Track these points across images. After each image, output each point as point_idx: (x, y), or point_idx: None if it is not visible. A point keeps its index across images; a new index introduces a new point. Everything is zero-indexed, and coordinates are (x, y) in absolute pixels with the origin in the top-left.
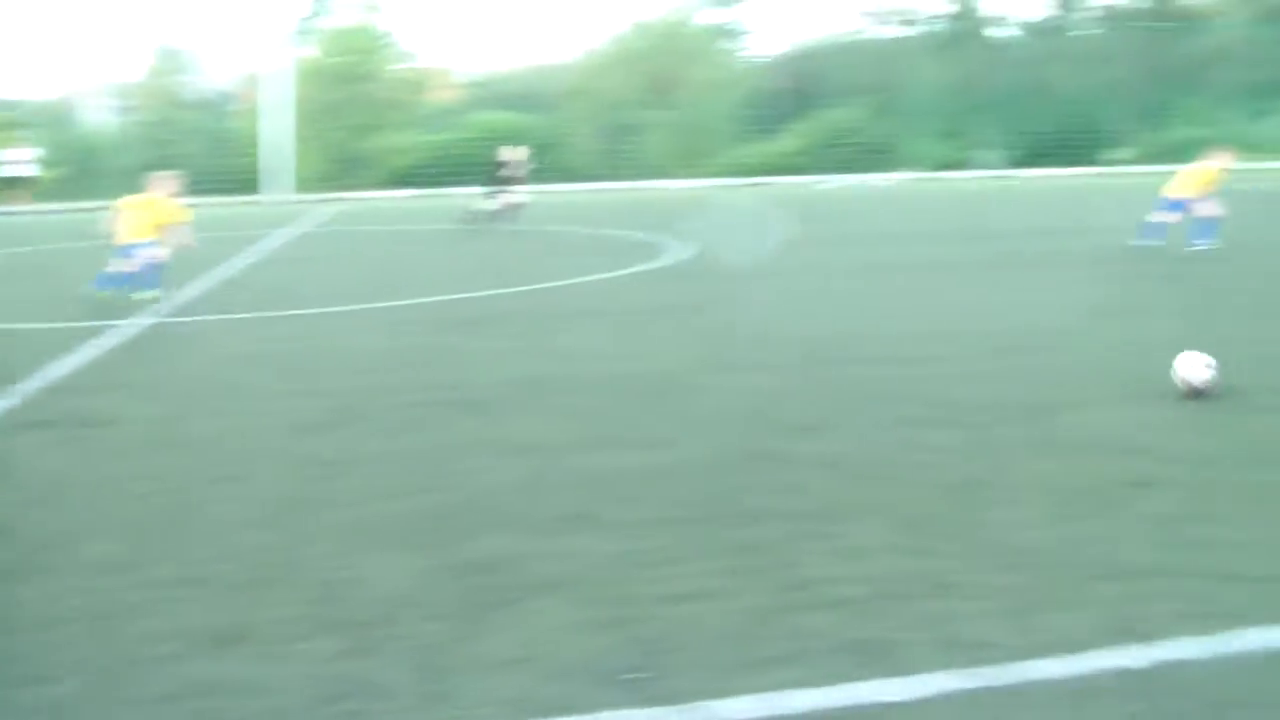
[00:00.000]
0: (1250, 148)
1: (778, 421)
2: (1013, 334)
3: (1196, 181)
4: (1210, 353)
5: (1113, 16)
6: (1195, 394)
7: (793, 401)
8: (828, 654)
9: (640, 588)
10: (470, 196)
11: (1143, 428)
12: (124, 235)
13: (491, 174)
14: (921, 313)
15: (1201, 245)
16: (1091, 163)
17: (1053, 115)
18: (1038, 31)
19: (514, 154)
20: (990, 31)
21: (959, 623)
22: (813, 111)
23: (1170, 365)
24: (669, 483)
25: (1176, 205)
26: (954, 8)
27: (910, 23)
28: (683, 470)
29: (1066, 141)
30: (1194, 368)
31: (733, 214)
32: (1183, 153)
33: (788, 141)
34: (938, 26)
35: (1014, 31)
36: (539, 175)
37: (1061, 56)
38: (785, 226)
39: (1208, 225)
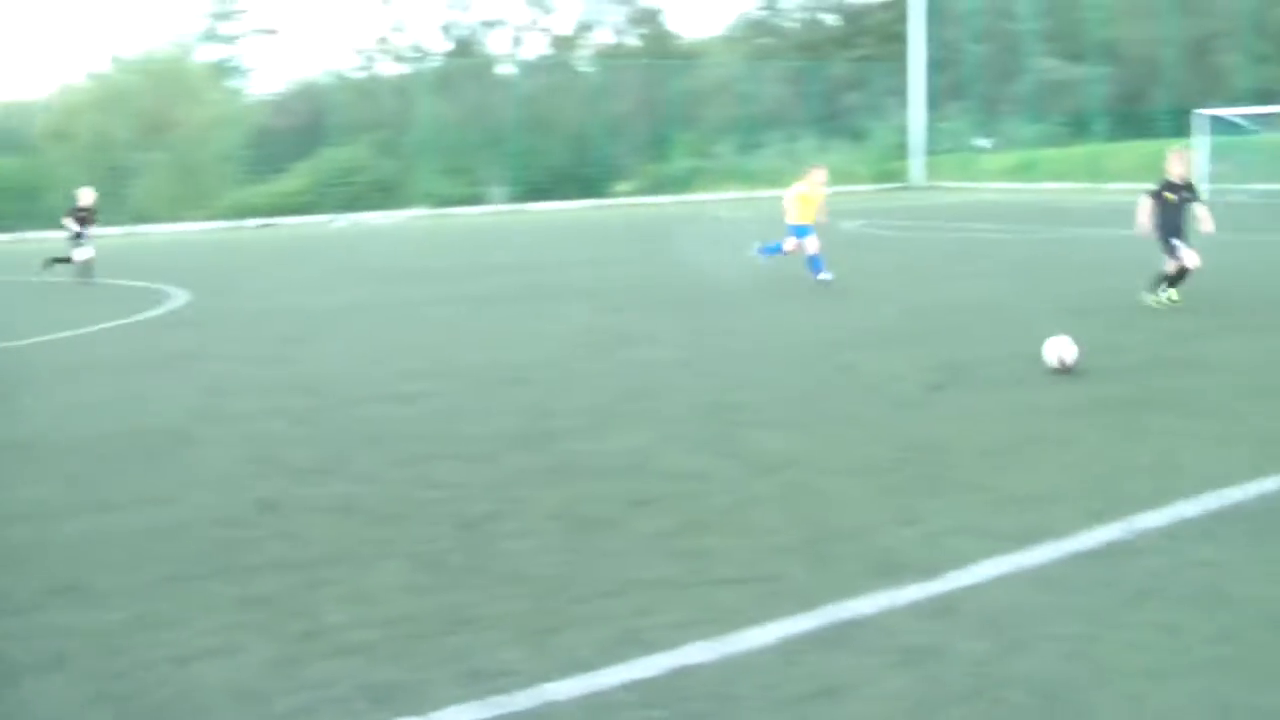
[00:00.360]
0: (743, 179)
1: (285, 468)
2: (518, 365)
3: (808, 204)
4: (702, 369)
5: (612, 54)
6: (1066, 369)
7: (300, 447)
8: (344, 701)
9: (146, 653)
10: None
11: (639, 450)
12: None
13: (75, 218)
14: (428, 348)
15: (826, 277)
16: (598, 195)
17: (560, 150)
18: (540, 68)
19: (89, 197)
20: (495, 69)
21: (478, 654)
22: (317, 149)
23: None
24: (171, 541)
25: (801, 230)
26: (452, 45)
27: (412, 59)
28: (186, 527)
29: (574, 175)
30: (1065, 348)
31: (237, 257)
32: (682, 183)
33: (293, 181)
34: (439, 63)
35: (517, 69)
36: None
37: (565, 92)
38: (291, 268)
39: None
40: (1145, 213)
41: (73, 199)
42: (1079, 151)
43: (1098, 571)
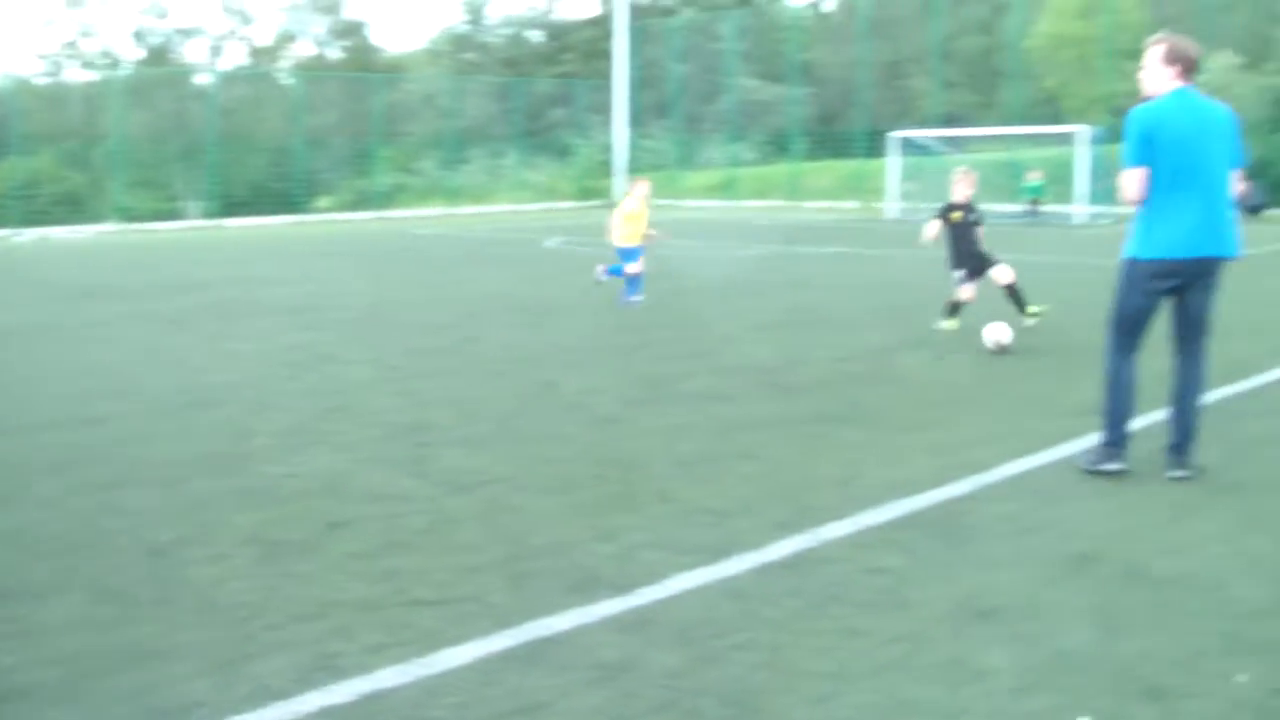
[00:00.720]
0: (447, 195)
1: None
2: (211, 386)
3: (637, 222)
4: (401, 388)
5: (313, 67)
6: (1004, 350)
7: None
8: None
9: None
10: None
11: (336, 471)
12: None
13: None
14: (116, 370)
15: (638, 299)
16: (299, 210)
17: (260, 164)
18: (240, 79)
19: None
20: (192, 78)
21: (162, 690)
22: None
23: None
24: None
25: (631, 254)
26: (146, 53)
27: (103, 66)
28: None
29: (274, 190)
30: (1001, 331)
31: None
32: (385, 199)
33: None
34: (132, 71)
35: (215, 79)
36: None
37: (266, 105)
38: None
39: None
40: (932, 230)
41: None
42: (779, 170)
43: (786, 581)
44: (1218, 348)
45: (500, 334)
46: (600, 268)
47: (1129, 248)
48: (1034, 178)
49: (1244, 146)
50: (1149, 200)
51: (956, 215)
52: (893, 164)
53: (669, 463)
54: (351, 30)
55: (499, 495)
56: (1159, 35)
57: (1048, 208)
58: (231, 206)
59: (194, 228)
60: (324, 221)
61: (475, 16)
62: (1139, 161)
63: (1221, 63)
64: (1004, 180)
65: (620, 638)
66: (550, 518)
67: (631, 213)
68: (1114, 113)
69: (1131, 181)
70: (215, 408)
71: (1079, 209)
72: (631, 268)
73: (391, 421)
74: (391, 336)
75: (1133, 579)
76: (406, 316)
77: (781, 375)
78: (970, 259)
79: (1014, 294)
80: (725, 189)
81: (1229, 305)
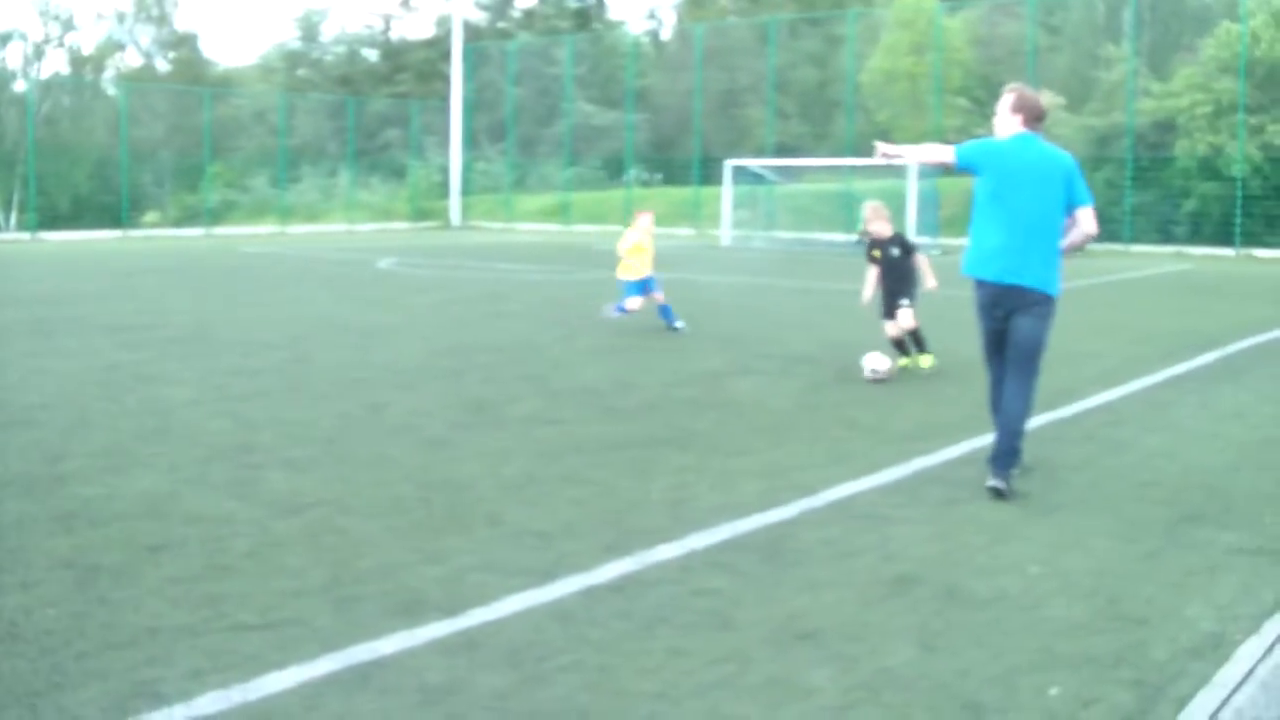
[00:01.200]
0: (279, 213)
1: None
2: (24, 406)
3: (644, 254)
4: (225, 409)
5: (140, 78)
6: (880, 380)
7: None
8: None
9: None
10: None
11: (156, 494)
12: None
13: None
14: None
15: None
16: (124, 225)
17: (82, 176)
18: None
19: None
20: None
21: None
22: None
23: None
24: None
25: (642, 286)
26: None
27: None
28: None
29: (97, 203)
30: (880, 360)
31: None
32: (215, 216)
33: None
34: None
35: (33, 87)
36: None
37: (89, 115)
38: None
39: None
40: (870, 285)
41: None
42: (614, 195)
43: (613, 603)
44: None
45: (328, 355)
46: (609, 306)
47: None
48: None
49: (1085, 186)
50: (972, 221)
51: (877, 253)
52: (727, 192)
53: (497, 485)
54: (181, 42)
55: (325, 518)
56: (1011, 85)
57: None
58: (51, 220)
59: (10, 241)
60: (150, 237)
61: (309, 33)
62: (961, 154)
63: (1046, 102)
64: (834, 211)
65: (447, 660)
66: (377, 540)
67: (638, 244)
68: None
69: (943, 152)
70: (27, 428)
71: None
72: (632, 303)
73: (215, 443)
74: (216, 356)
75: (952, 599)
76: (232, 336)
77: (611, 399)
78: (896, 294)
79: (901, 343)
80: (559, 213)
81: (1053, 335)
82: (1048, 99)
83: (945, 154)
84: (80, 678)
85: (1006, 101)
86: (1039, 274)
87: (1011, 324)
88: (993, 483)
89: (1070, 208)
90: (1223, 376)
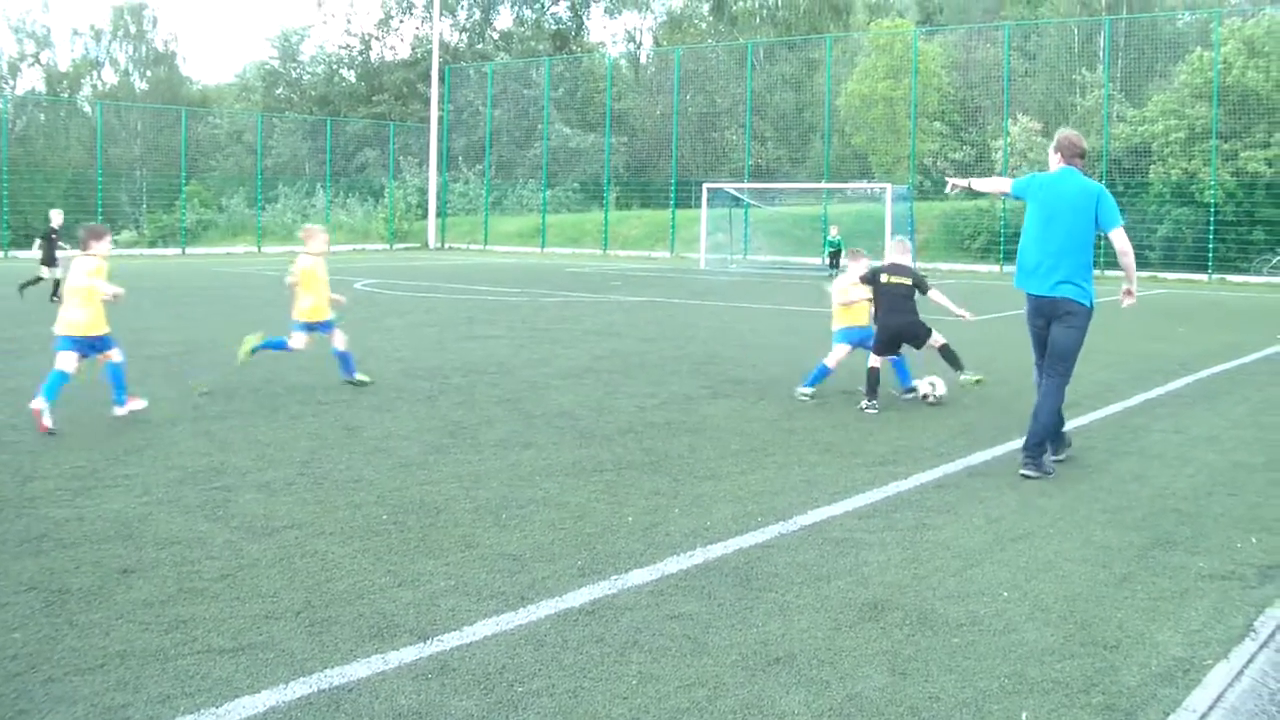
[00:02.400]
0: (256, 233)
1: None
2: None
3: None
4: (198, 430)
5: (116, 96)
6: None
7: None
8: None
9: None
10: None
11: (128, 516)
12: None
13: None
14: None
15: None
16: None
17: (57, 195)
18: (35, 106)
19: (58, 218)
20: None
21: None
22: None
23: None
24: None
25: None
26: None
27: None
28: None
29: (70, 222)
30: (935, 385)
31: None
32: (191, 236)
33: None
34: None
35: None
36: None
37: (64, 133)
38: None
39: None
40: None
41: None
42: (591, 218)
43: (586, 627)
44: (1014, 402)
45: (303, 377)
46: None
47: None
48: (835, 234)
49: (1116, 212)
50: (1020, 242)
51: (886, 279)
52: (704, 215)
53: (471, 509)
54: (159, 60)
55: (298, 540)
56: (1060, 130)
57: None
58: (25, 239)
59: None
60: (125, 257)
61: (288, 53)
62: (1014, 186)
63: (1022, 127)
64: (810, 234)
65: (419, 685)
66: (350, 563)
67: (848, 305)
68: (921, 171)
69: (1001, 184)
70: None
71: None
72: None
73: (189, 464)
74: (192, 377)
75: (924, 624)
76: (208, 357)
77: (586, 422)
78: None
79: (874, 378)
80: (537, 235)
81: (1029, 360)
82: (1025, 124)
83: (1003, 185)
84: (47, 703)
85: (1052, 143)
86: (1072, 287)
87: (1050, 331)
88: (1023, 470)
89: (1101, 230)
90: (1196, 401)
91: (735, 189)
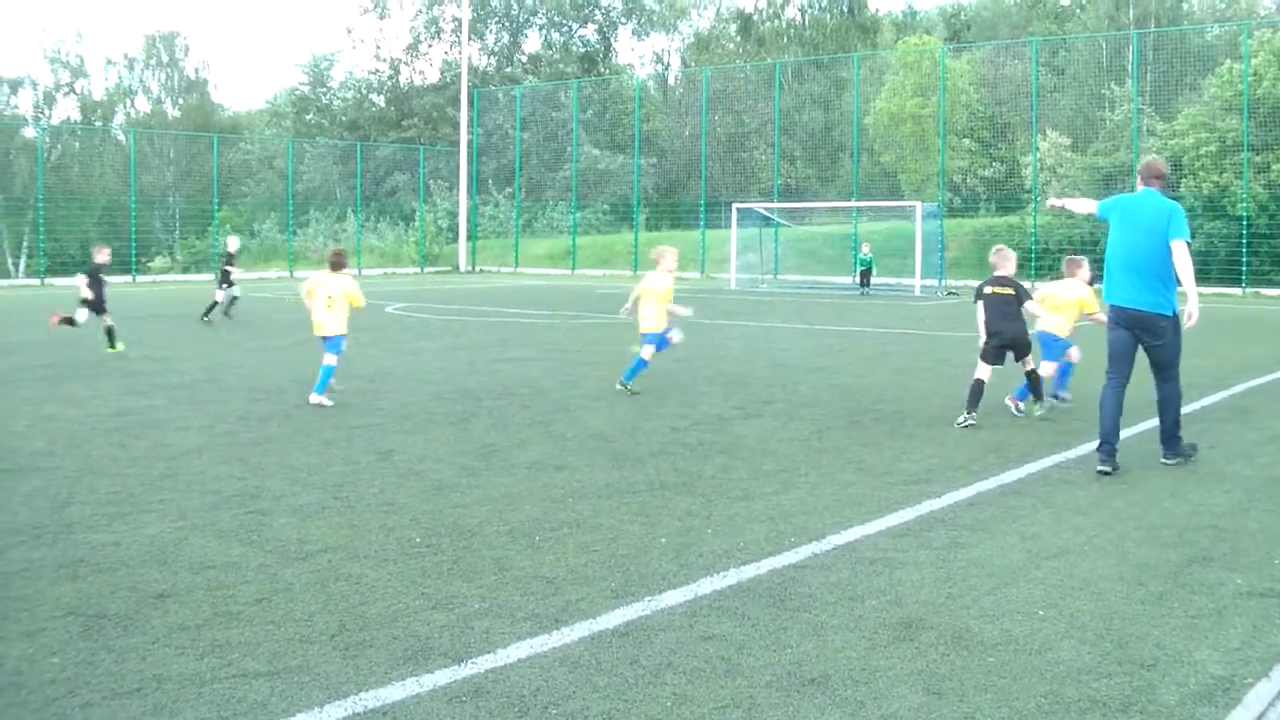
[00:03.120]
0: (288, 258)
1: None
2: (30, 452)
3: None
4: (231, 455)
5: (150, 124)
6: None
7: None
8: None
9: None
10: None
11: (163, 540)
12: None
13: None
14: None
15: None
16: (134, 271)
17: (92, 222)
18: (71, 134)
19: (235, 243)
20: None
21: None
22: None
23: None
24: None
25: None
26: None
27: None
28: None
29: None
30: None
31: None
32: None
33: None
34: None
35: (43, 133)
36: None
37: (99, 161)
38: None
39: None
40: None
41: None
42: (621, 239)
43: (620, 649)
44: (1045, 418)
45: (336, 400)
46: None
47: None
48: (866, 251)
49: (1183, 226)
50: (1106, 256)
51: (990, 290)
52: (734, 235)
53: (504, 531)
54: (191, 87)
55: (332, 564)
56: (1145, 158)
57: (886, 280)
58: (60, 266)
59: (19, 286)
60: (158, 282)
61: (318, 78)
62: (1099, 207)
63: (1051, 143)
64: (840, 253)
65: (453, 707)
66: (384, 586)
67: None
68: (950, 188)
69: (1088, 205)
70: (34, 475)
71: (916, 282)
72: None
73: (223, 489)
74: (225, 402)
75: (959, 644)
76: (241, 382)
77: (618, 444)
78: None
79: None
80: (568, 257)
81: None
82: (1054, 140)
83: (1090, 207)
84: None
85: (1139, 168)
86: (1152, 299)
87: (1147, 347)
88: (1164, 459)
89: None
90: (1230, 416)
91: (765, 208)
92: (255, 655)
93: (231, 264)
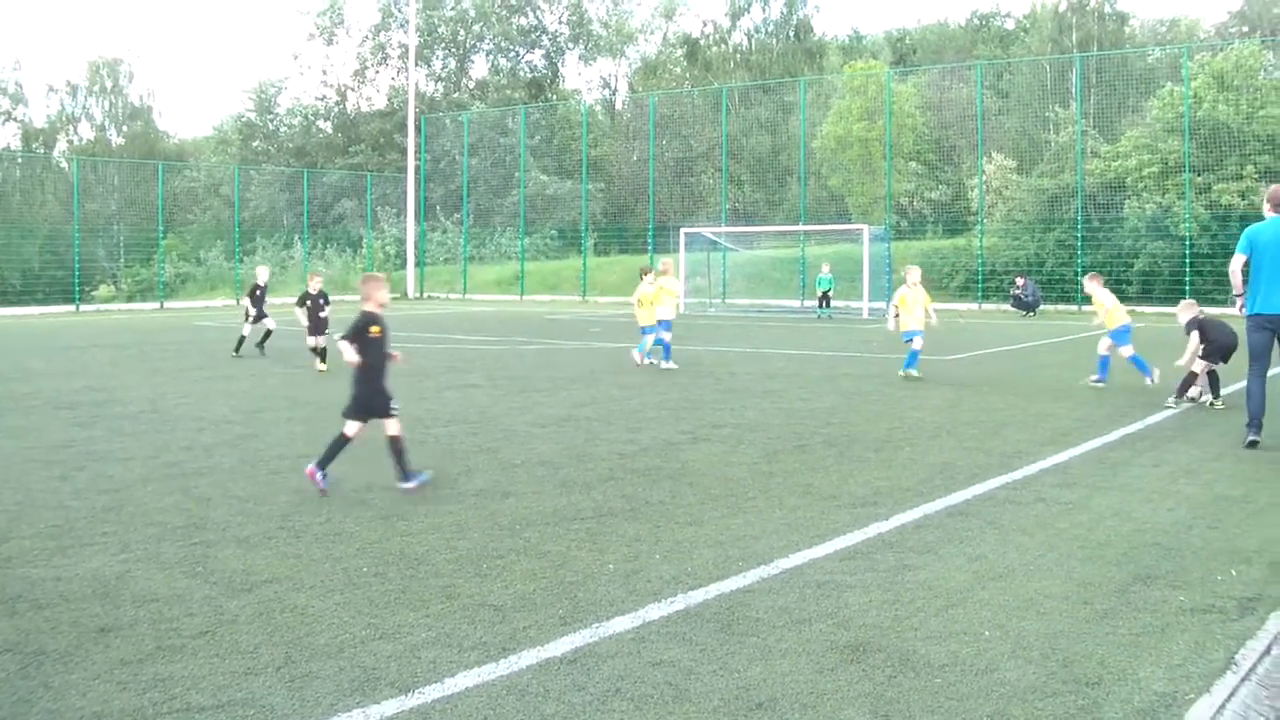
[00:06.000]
0: (235, 286)
1: None
2: None
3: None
4: (174, 486)
5: (93, 151)
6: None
7: None
8: None
9: None
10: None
11: (105, 574)
12: None
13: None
14: None
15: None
16: (77, 300)
17: (34, 251)
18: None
19: (264, 274)
20: None
21: None
22: None
23: None
24: None
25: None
26: None
27: None
28: None
29: (49, 278)
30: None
31: None
32: (169, 289)
33: None
34: None
35: None
36: None
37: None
38: None
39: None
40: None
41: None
42: (570, 264)
43: (568, 676)
44: (991, 439)
45: (282, 430)
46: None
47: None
48: (826, 271)
49: None
50: (1250, 278)
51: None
52: (682, 259)
53: (451, 559)
54: (135, 114)
55: (278, 595)
56: (1271, 186)
57: (837, 303)
58: (1, 295)
59: None
60: (102, 311)
61: (264, 105)
62: (1240, 250)
63: (997, 165)
64: (788, 276)
65: None
66: (330, 617)
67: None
68: (897, 210)
69: (1235, 263)
70: None
71: (864, 304)
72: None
73: (167, 521)
74: (170, 433)
75: (905, 666)
76: (186, 412)
77: (566, 470)
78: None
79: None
80: (515, 283)
81: (1006, 397)
82: (999, 162)
83: (1240, 260)
84: None
85: (1267, 195)
86: None
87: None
88: (1250, 438)
89: None
90: (1175, 435)
91: (713, 233)
92: (200, 689)
93: (263, 295)
